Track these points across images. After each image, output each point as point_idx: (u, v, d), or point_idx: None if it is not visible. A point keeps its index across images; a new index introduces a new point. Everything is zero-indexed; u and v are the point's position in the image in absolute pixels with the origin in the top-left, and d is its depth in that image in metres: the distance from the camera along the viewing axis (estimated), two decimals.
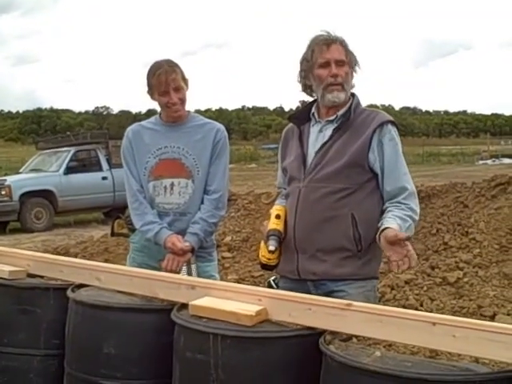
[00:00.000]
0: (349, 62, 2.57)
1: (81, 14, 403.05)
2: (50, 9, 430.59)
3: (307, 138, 2.65)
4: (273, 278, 2.71)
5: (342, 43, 2.58)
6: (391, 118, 2.59)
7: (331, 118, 2.60)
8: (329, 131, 2.59)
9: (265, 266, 2.69)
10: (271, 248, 2.52)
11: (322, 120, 2.63)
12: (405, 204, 2.47)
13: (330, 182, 2.51)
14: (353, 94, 2.63)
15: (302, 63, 2.64)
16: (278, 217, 2.58)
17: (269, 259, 2.61)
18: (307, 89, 2.68)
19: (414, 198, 2.53)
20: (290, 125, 2.77)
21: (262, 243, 2.67)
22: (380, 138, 2.51)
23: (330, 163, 2.52)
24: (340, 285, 2.50)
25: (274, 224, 2.57)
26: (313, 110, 2.67)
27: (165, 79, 2.93)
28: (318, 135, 2.62)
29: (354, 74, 2.62)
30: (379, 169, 2.51)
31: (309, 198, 2.54)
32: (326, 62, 2.54)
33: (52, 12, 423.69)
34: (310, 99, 2.73)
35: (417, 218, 2.49)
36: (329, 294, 2.44)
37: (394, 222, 2.36)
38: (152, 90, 3.01)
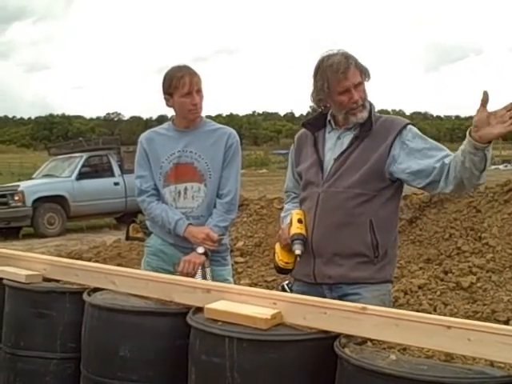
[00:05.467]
0: (364, 78, 2.55)
1: (92, 20, 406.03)
2: (62, 16, 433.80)
3: (323, 145, 2.65)
4: (286, 282, 2.71)
5: (357, 65, 2.52)
6: (407, 121, 2.58)
7: (350, 126, 2.60)
8: (347, 139, 2.59)
9: (281, 270, 2.69)
10: (298, 252, 2.53)
11: (340, 128, 2.63)
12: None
13: (349, 188, 2.51)
14: (369, 102, 2.61)
15: (318, 92, 2.58)
16: (300, 221, 2.58)
17: (286, 263, 2.63)
18: (322, 106, 2.66)
19: None
20: (303, 130, 2.76)
21: (278, 247, 2.68)
22: (402, 142, 2.50)
23: (350, 170, 2.53)
24: (355, 288, 2.51)
25: (297, 228, 2.56)
26: (329, 117, 2.67)
27: (189, 81, 2.98)
28: (336, 142, 2.62)
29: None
30: (410, 170, 2.46)
31: (327, 204, 2.54)
32: (346, 89, 2.51)
33: (64, 19, 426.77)
34: None
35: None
36: (343, 296, 2.45)
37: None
38: (172, 93, 3.02)
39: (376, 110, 2.63)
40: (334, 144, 2.62)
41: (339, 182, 2.54)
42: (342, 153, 2.57)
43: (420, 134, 2.54)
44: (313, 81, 2.60)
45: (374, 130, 2.55)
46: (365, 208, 2.50)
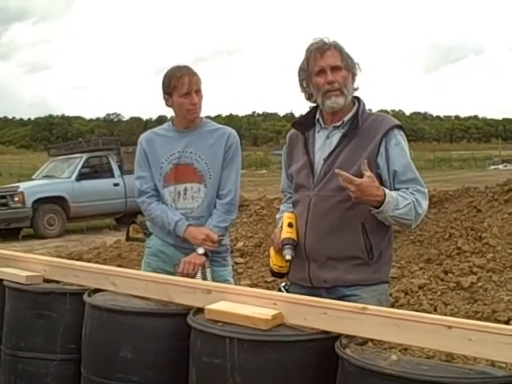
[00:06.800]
0: (346, 65, 2.54)
1: (92, 21, 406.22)
2: (62, 17, 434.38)
3: (313, 145, 2.62)
4: (283, 284, 2.70)
5: (337, 48, 2.54)
6: (397, 123, 2.56)
7: (337, 123, 2.58)
8: (336, 138, 2.57)
9: (276, 274, 2.68)
10: (288, 257, 2.51)
11: (328, 126, 2.61)
12: (412, 193, 2.45)
13: (340, 190, 2.45)
14: (358, 99, 2.60)
15: (299, 73, 2.63)
16: (290, 225, 2.57)
17: (281, 267, 2.61)
18: (311, 97, 2.66)
19: (424, 196, 2.49)
20: (293, 130, 2.74)
21: (272, 251, 2.66)
22: (386, 144, 2.49)
23: None
24: (352, 289, 2.50)
25: (287, 233, 2.55)
26: (317, 116, 2.65)
27: (188, 80, 2.98)
28: (325, 141, 2.60)
29: (354, 77, 2.58)
30: (387, 176, 2.49)
31: (319, 207, 2.52)
32: (321, 69, 2.52)
33: (64, 20, 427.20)
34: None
35: (420, 211, 2.44)
36: (341, 298, 2.43)
37: (391, 192, 2.39)
38: (171, 93, 3.03)
39: (375, 110, 2.62)
40: (323, 143, 2.60)
41: (330, 185, 2.51)
42: (331, 152, 2.54)
43: (403, 144, 2.53)
44: None
45: (362, 128, 2.53)
46: (357, 211, 2.46)
